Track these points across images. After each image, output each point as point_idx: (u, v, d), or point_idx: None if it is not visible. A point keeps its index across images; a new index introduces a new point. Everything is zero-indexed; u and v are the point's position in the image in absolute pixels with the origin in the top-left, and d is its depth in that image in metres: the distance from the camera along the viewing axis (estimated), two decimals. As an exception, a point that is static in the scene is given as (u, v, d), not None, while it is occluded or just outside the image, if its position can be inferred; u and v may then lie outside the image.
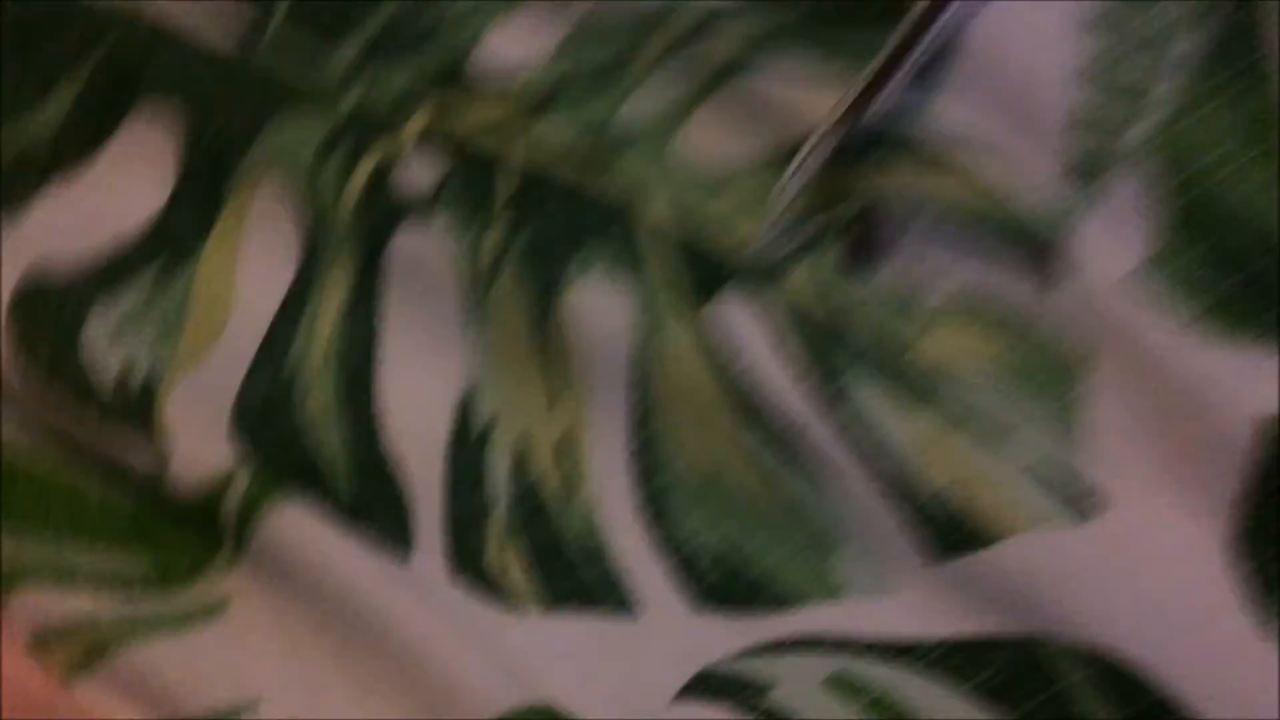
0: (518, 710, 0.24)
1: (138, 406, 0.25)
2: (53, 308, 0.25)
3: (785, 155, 0.27)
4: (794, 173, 0.26)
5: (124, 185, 0.26)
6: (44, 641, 0.24)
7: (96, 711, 0.23)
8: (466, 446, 0.26)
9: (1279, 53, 0.26)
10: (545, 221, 0.26)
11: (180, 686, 0.23)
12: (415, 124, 0.27)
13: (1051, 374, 0.25)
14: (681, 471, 0.25)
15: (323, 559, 0.24)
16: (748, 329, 0.25)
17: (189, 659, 0.24)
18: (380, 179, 0.26)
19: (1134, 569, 0.24)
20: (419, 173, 0.26)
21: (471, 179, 0.26)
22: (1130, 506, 0.24)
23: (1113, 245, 0.26)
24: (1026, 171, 0.26)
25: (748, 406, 0.25)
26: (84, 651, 0.24)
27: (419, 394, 0.26)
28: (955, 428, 0.25)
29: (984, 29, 0.26)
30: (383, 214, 0.26)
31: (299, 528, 0.24)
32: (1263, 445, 0.24)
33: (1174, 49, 0.27)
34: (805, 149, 0.26)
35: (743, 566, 0.25)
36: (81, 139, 0.26)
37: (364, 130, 0.27)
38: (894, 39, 0.25)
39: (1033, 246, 0.26)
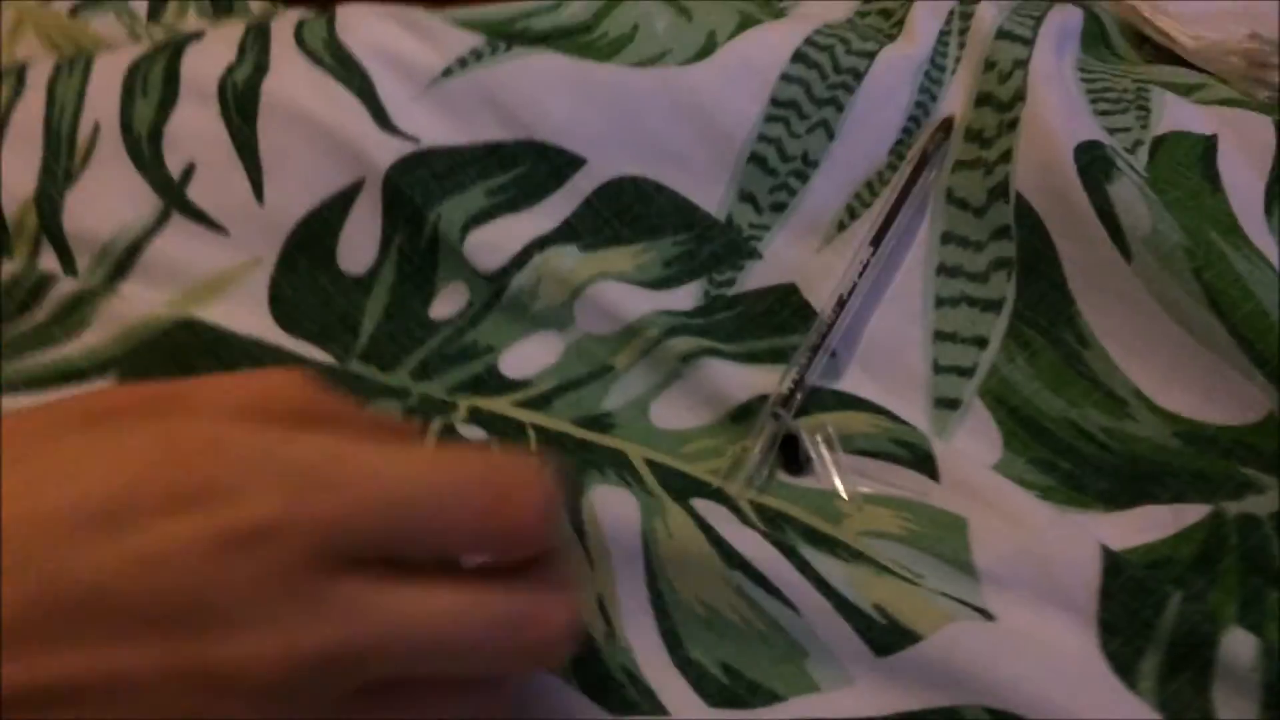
0: None
1: None
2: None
3: (724, 418, 0.37)
4: (758, 429, 0.37)
5: None
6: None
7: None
8: None
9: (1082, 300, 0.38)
10: (564, 457, 0.36)
11: None
12: (462, 410, 0.37)
13: (944, 531, 0.35)
14: (687, 611, 0.33)
15: None
16: (722, 513, 0.35)
17: None
18: (447, 435, 0.36)
19: (1025, 651, 0.32)
20: (471, 434, 0.36)
21: (507, 437, 0.36)
22: (1017, 610, 0.33)
23: (974, 450, 0.37)
24: (905, 409, 0.37)
25: (731, 559, 0.33)
26: None
27: None
28: (882, 572, 0.34)
29: (864, 317, 0.39)
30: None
31: None
32: (1105, 566, 0.34)
33: (999, 319, 0.39)
34: (763, 416, 0.36)
35: (741, 675, 0.33)
36: None
37: (429, 411, 0.36)
38: (810, 338, 0.37)
39: (916, 454, 0.36)
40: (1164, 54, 0.46)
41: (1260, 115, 0.41)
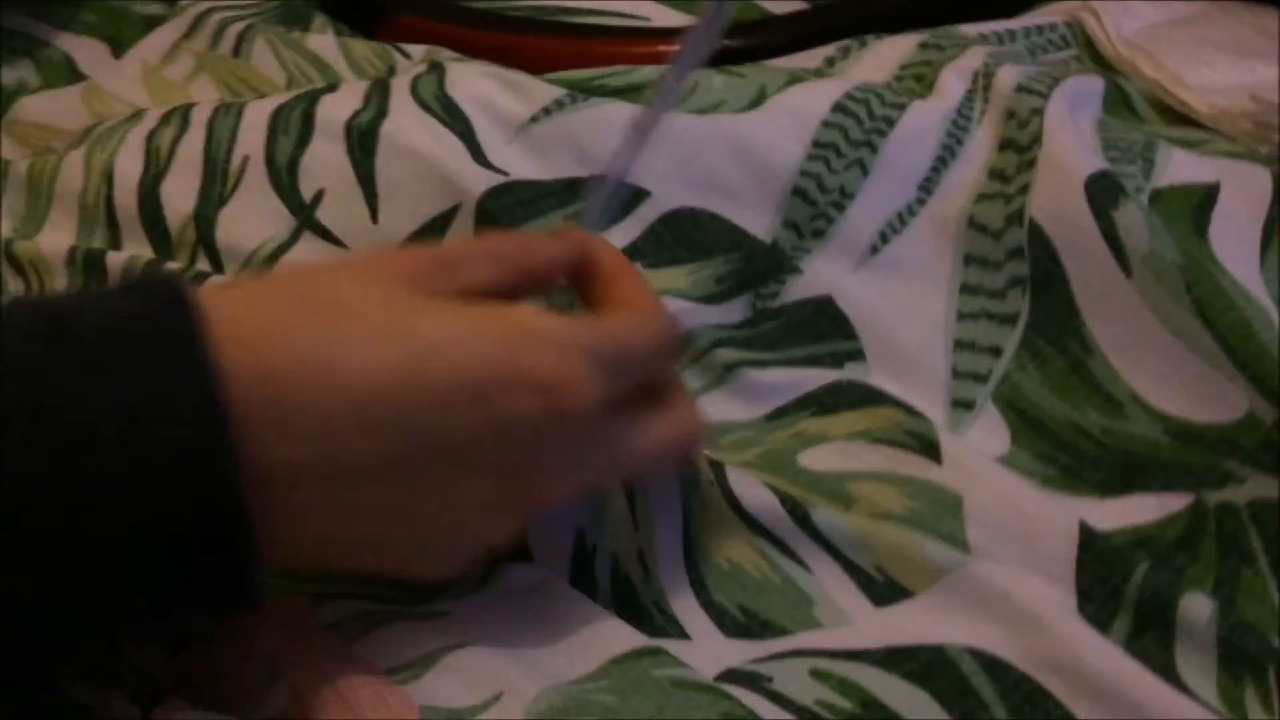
0: (640, 647, 0.35)
1: None
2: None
3: (761, 418, 0.42)
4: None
5: None
6: (337, 625, 0.35)
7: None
8: (583, 557, 0.39)
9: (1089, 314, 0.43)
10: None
11: (410, 649, 0.35)
12: None
13: (941, 508, 0.39)
14: (715, 566, 0.38)
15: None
16: (747, 488, 0.39)
17: (421, 635, 0.35)
18: None
19: (1006, 602, 0.37)
20: None
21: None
22: (1002, 570, 0.38)
23: (985, 444, 0.42)
24: (926, 408, 0.42)
25: (754, 527, 0.39)
26: (359, 628, 0.35)
27: (552, 529, 0.39)
28: (883, 531, 0.39)
29: (875, 309, 0.44)
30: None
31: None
32: (1081, 539, 0.38)
33: (1013, 331, 0.44)
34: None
35: (755, 615, 0.37)
36: None
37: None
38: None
39: (923, 442, 0.41)
40: (1184, 120, 0.51)
41: (1260, 166, 0.46)
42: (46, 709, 0.33)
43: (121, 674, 0.34)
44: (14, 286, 0.47)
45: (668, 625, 0.37)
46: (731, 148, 0.46)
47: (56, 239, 0.48)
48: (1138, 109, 0.51)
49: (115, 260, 0.46)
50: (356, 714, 0.32)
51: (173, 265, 0.46)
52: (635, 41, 0.53)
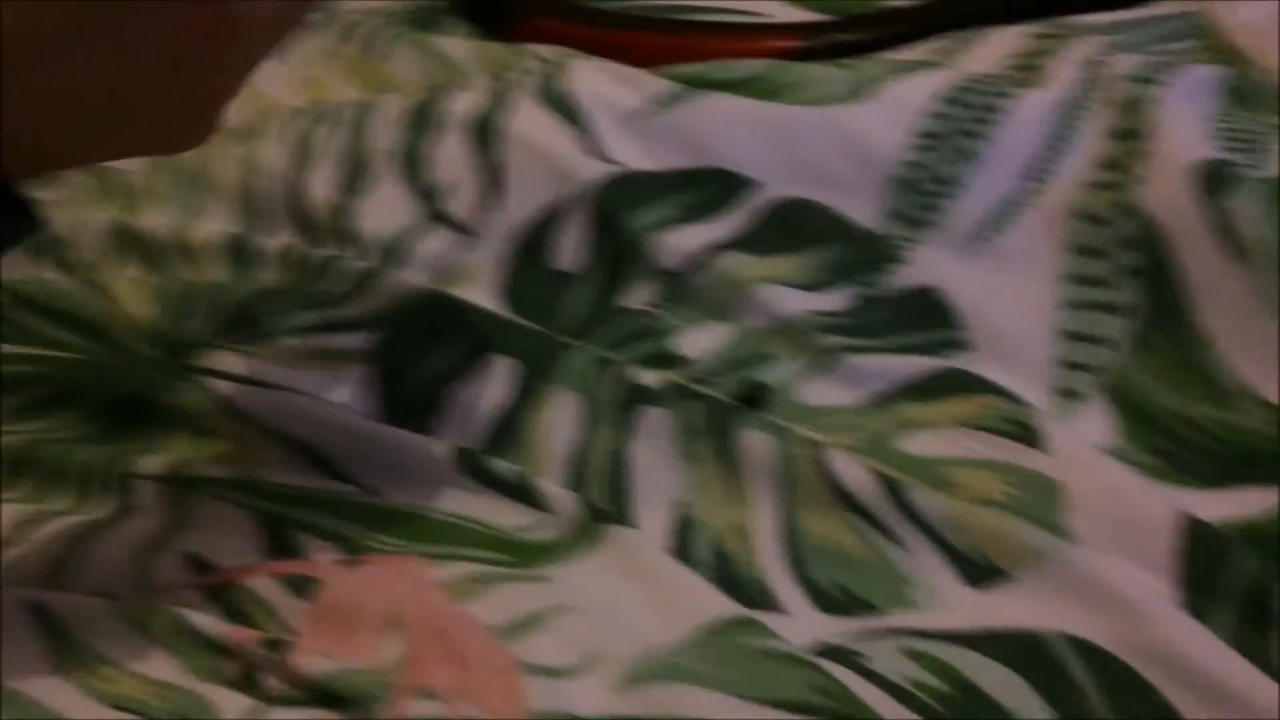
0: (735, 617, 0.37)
1: (521, 490, 0.40)
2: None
3: (864, 403, 0.43)
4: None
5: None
6: (449, 584, 0.37)
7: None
8: (684, 530, 0.40)
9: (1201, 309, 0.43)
10: (726, 407, 0.42)
11: (516, 609, 0.37)
12: (648, 376, 0.44)
13: (1041, 495, 0.39)
14: (813, 542, 0.39)
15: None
16: (846, 467, 0.40)
17: (526, 597, 0.37)
18: (631, 385, 0.43)
19: (1104, 589, 0.37)
20: (651, 381, 0.42)
21: (682, 392, 0.43)
22: (1100, 557, 0.38)
23: (1091, 432, 0.42)
24: (1032, 397, 0.43)
25: (851, 504, 0.40)
26: (469, 587, 0.37)
27: (654, 502, 0.41)
28: (981, 515, 0.39)
29: (980, 299, 0.44)
30: (630, 401, 0.42)
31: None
32: (1183, 527, 0.38)
33: (1123, 322, 0.44)
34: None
35: (851, 592, 0.38)
36: None
37: (617, 367, 0.43)
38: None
39: (1025, 430, 0.41)
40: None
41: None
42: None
43: (258, 620, 0.37)
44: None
45: (763, 599, 0.38)
46: (838, 139, 0.47)
47: (210, 226, 0.51)
48: (1258, 98, 0.50)
49: (267, 246, 0.49)
50: (464, 665, 0.34)
51: (322, 252, 0.48)
52: (749, 37, 0.54)
